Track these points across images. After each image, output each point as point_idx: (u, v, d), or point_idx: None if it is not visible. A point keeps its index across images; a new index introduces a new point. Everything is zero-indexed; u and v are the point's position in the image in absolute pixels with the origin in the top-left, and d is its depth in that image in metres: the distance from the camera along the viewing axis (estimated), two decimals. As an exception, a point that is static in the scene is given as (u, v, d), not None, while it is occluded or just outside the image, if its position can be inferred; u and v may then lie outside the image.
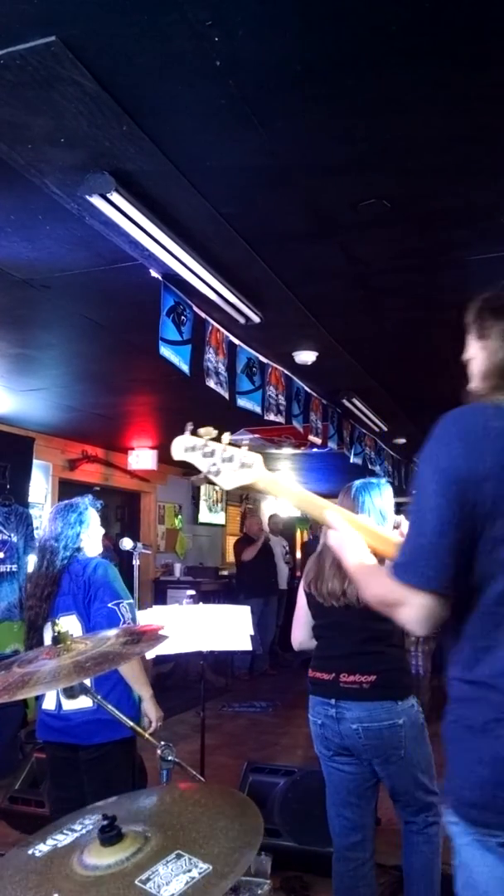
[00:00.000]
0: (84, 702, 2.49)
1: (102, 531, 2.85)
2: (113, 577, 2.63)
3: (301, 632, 2.70)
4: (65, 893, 1.14)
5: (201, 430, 1.43)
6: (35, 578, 2.72)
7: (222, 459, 1.41)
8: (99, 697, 1.84)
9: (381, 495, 2.56)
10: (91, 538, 2.76)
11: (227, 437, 1.44)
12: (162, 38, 1.60)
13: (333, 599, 2.47)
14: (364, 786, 2.47)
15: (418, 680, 5.40)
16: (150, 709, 2.62)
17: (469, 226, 2.52)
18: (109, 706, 1.84)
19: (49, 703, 2.61)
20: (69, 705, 2.54)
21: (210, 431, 1.43)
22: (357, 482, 2.60)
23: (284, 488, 1.47)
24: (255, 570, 8.10)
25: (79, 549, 2.70)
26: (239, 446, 1.43)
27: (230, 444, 1.43)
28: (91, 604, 2.56)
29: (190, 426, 1.42)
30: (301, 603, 2.67)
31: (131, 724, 1.89)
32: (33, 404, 5.24)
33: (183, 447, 1.44)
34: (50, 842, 1.33)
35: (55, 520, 2.74)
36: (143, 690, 2.61)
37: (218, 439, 1.43)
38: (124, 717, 1.89)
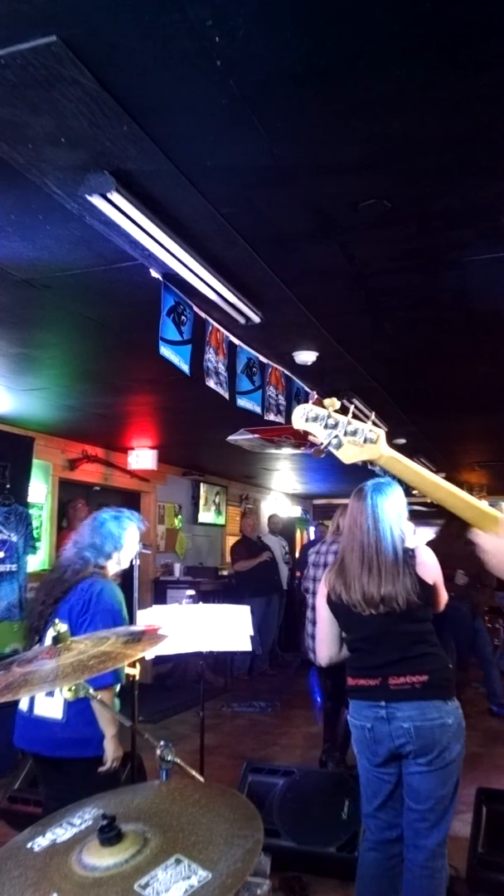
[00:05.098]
0: (54, 710, 2.49)
1: (137, 550, 2.84)
2: (115, 603, 2.60)
3: (329, 648, 2.65)
4: (63, 893, 1.14)
5: (326, 401, 1.40)
6: (52, 580, 2.69)
7: (345, 432, 1.39)
8: (93, 691, 1.83)
9: (394, 496, 2.56)
10: (119, 560, 2.75)
11: (352, 409, 1.43)
12: (163, 38, 1.60)
13: (371, 607, 2.44)
14: (400, 789, 2.47)
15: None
16: (109, 747, 2.52)
17: (469, 226, 2.51)
18: (104, 705, 1.84)
19: (23, 703, 2.60)
20: (40, 710, 2.53)
21: (334, 402, 1.40)
22: (369, 483, 2.59)
23: (405, 467, 1.44)
24: (258, 569, 8.12)
25: (102, 567, 2.69)
26: (364, 420, 1.42)
27: (354, 416, 1.41)
28: (84, 625, 2.53)
29: (315, 395, 1.44)
30: (325, 616, 2.62)
31: (130, 722, 1.89)
32: (33, 404, 5.24)
33: (304, 416, 1.42)
34: (49, 836, 1.32)
35: (98, 529, 2.72)
36: (107, 728, 2.52)
37: (342, 412, 1.41)
38: (123, 717, 1.89)
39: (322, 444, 1.41)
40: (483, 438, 7.17)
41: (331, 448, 1.40)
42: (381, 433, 1.39)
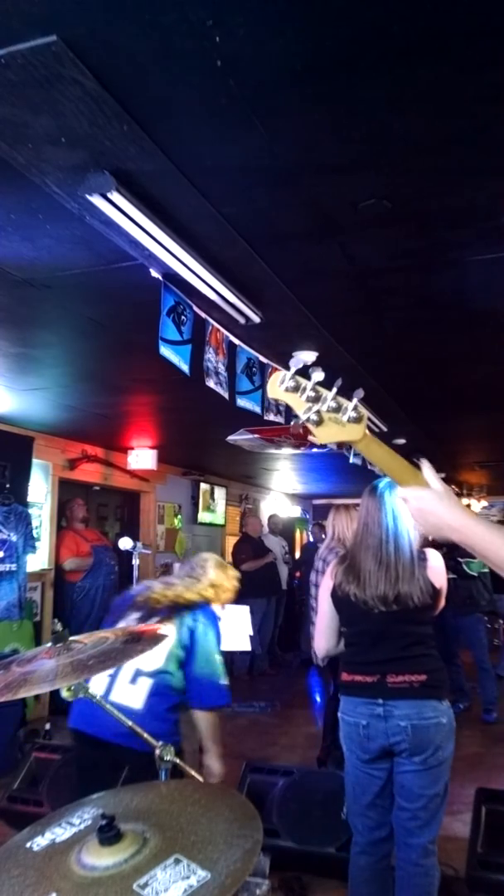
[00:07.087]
0: (134, 700, 2.43)
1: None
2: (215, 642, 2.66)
3: (328, 640, 2.66)
4: (63, 893, 1.14)
5: (311, 371, 1.22)
6: (127, 602, 2.74)
7: (328, 408, 1.21)
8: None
9: None
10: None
11: (339, 382, 1.25)
12: (163, 38, 1.60)
13: (382, 604, 2.44)
14: (389, 787, 2.48)
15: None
16: (214, 764, 2.59)
17: (469, 226, 2.51)
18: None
19: (99, 687, 2.49)
20: (118, 696, 2.45)
21: (319, 374, 1.22)
22: (382, 481, 2.59)
23: (386, 452, 1.27)
24: (261, 570, 8.12)
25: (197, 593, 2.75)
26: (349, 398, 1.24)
27: (338, 393, 1.23)
28: (190, 652, 2.57)
29: (298, 363, 1.21)
30: (326, 609, 2.63)
31: (130, 723, 1.89)
32: (33, 404, 5.24)
33: (284, 385, 1.23)
34: (48, 835, 1.33)
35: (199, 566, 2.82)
36: (213, 746, 2.58)
37: (327, 386, 1.23)
38: (123, 717, 1.89)
39: (301, 420, 1.22)
40: (483, 438, 7.16)
41: (309, 424, 1.22)
42: (365, 413, 1.23)
